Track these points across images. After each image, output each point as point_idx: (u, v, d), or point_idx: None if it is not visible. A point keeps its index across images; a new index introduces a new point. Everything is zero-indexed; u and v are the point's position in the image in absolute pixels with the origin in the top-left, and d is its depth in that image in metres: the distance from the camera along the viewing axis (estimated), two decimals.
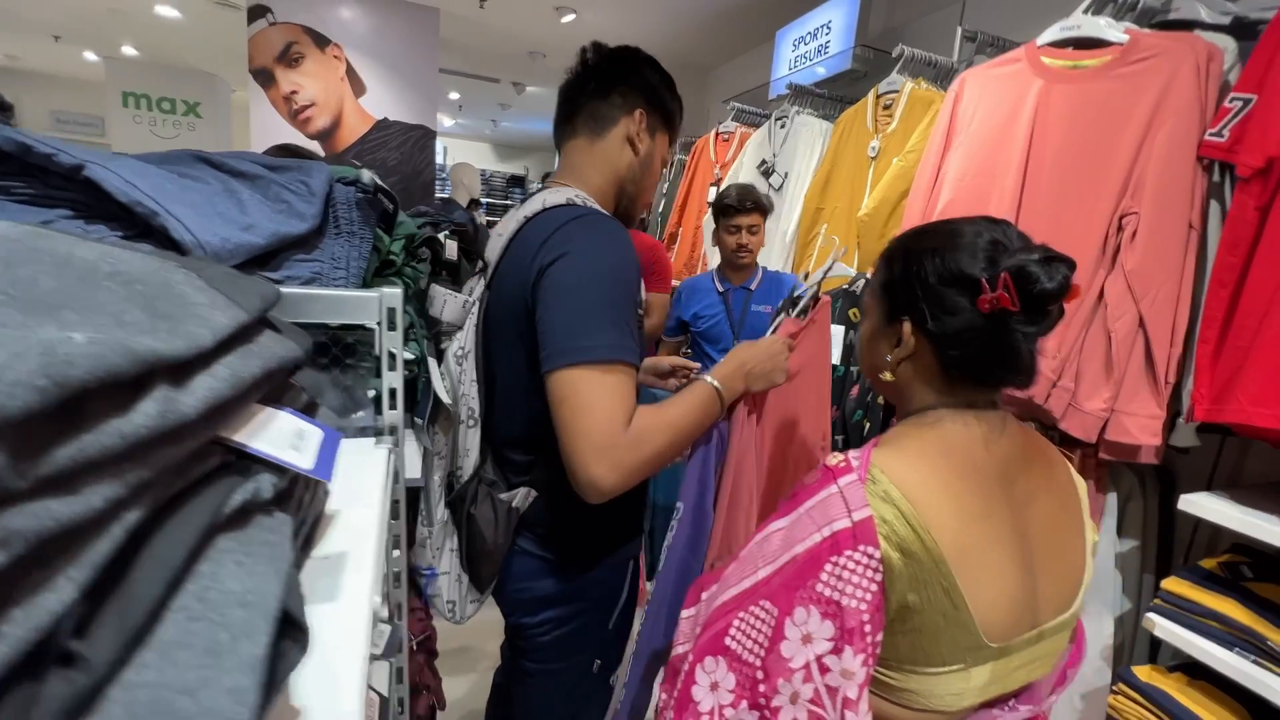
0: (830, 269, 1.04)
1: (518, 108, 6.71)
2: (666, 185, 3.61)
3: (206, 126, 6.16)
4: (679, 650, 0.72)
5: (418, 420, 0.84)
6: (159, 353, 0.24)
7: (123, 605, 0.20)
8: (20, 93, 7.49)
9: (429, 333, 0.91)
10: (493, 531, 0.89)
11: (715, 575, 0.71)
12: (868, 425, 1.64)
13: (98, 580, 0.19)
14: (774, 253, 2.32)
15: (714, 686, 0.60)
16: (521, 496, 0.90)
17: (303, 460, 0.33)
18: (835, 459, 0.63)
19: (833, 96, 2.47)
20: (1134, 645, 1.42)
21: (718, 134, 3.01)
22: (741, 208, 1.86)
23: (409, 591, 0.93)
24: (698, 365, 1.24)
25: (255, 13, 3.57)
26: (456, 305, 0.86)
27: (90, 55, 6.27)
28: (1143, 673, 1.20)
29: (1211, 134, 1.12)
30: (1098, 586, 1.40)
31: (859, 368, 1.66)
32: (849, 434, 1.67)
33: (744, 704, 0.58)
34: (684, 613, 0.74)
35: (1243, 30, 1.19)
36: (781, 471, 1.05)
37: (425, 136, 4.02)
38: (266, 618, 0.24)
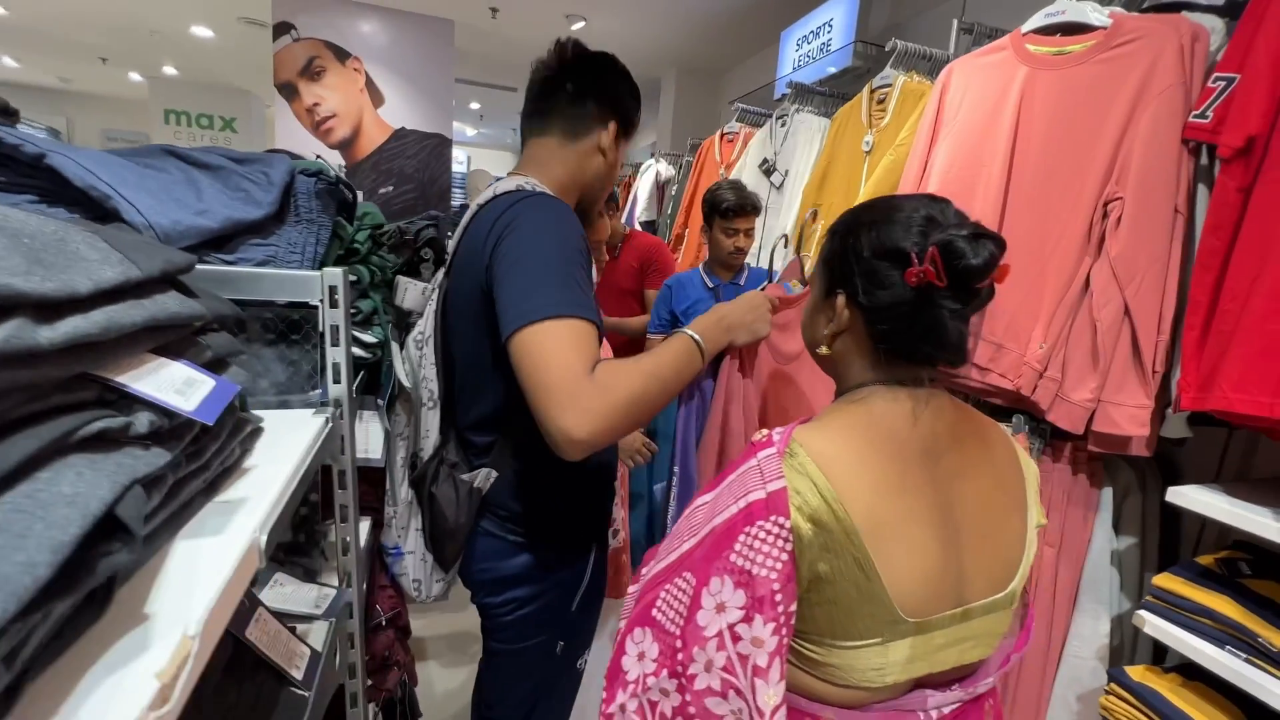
0: (803, 232, 1.04)
1: None
2: (675, 189, 3.64)
3: (241, 140, 6.46)
4: (620, 625, 0.73)
5: (380, 402, 0.87)
6: (18, 289, 0.27)
7: None
8: (74, 112, 7.97)
9: (398, 321, 0.94)
10: (454, 511, 0.91)
11: (656, 550, 0.72)
12: None
13: None
14: (778, 257, 2.32)
15: (640, 656, 0.61)
16: (482, 477, 0.92)
17: (185, 404, 0.36)
18: (760, 435, 0.64)
19: (833, 94, 2.47)
20: (1135, 646, 1.37)
21: (723, 134, 3.02)
22: (741, 211, 1.87)
23: (379, 569, 0.96)
24: None
25: (280, 29, 3.74)
26: (416, 292, 0.89)
27: (135, 76, 6.64)
28: (1136, 673, 1.16)
29: (1196, 116, 1.10)
30: (1093, 584, 1.36)
31: None
32: None
33: (664, 672, 0.59)
34: (630, 588, 0.76)
35: (1236, 10, 1.16)
36: None
37: (441, 144, 4.14)
38: (85, 514, 0.27)
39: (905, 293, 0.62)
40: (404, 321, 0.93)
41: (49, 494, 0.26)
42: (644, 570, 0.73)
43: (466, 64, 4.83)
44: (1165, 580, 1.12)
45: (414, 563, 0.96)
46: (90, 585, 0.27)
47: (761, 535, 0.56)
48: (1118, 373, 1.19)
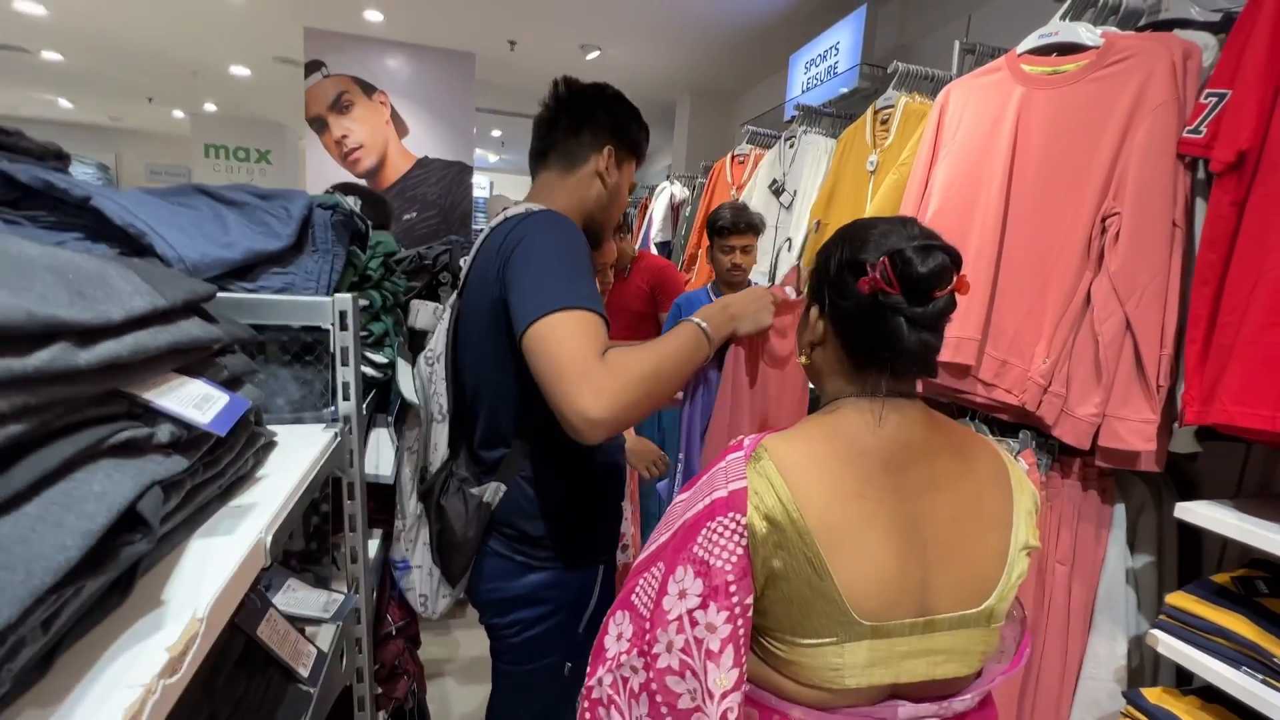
0: (808, 236, 1.07)
1: None
2: (689, 210, 3.70)
3: (276, 171, 6.77)
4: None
5: (390, 419, 0.92)
6: (59, 318, 0.33)
7: None
8: (122, 148, 8.44)
9: (412, 343, 1.00)
10: (462, 524, 0.93)
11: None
12: None
13: None
14: (783, 267, 2.35)
15: (619, 636, 0.65)
16: (491, 491, 0.95)
17: (202, 417, 0.41)
18: (735, 440, 0.68)
19: (840, 115, 2.51)
20: (1157, 668, 1.33)
21: (734, 156, 3.08)
22: (736, 229, 1.92)
23: (390, 582, 1.00)
24: None
25: (311, 67, 3.95)
26: (428, 313, 0.94)
27: (178, 113, 7.02)
28: (1153, 695, 1.14)
29: (1190, 131, 1.11)
30: (1109, 604, 1.33)
31: None
32: None
33: (635, 651, 0.63)
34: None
35: (1229, 26, 1.18)
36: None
37: (462, 171, 4.28)
38: (110, 508, 0.31)
39: (864, 301, 0.65)
40: (419, 344, 0.99)
41: (82, 491, 0.31)
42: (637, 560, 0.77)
43: (487, 93, 5.02)
44: (1179, 599, 1.09)
45: (421, 577, 0.98)
46: (115, 571, 0.32)
47: (720, 529, 0.60)
48: (1122, 387, 1.18)
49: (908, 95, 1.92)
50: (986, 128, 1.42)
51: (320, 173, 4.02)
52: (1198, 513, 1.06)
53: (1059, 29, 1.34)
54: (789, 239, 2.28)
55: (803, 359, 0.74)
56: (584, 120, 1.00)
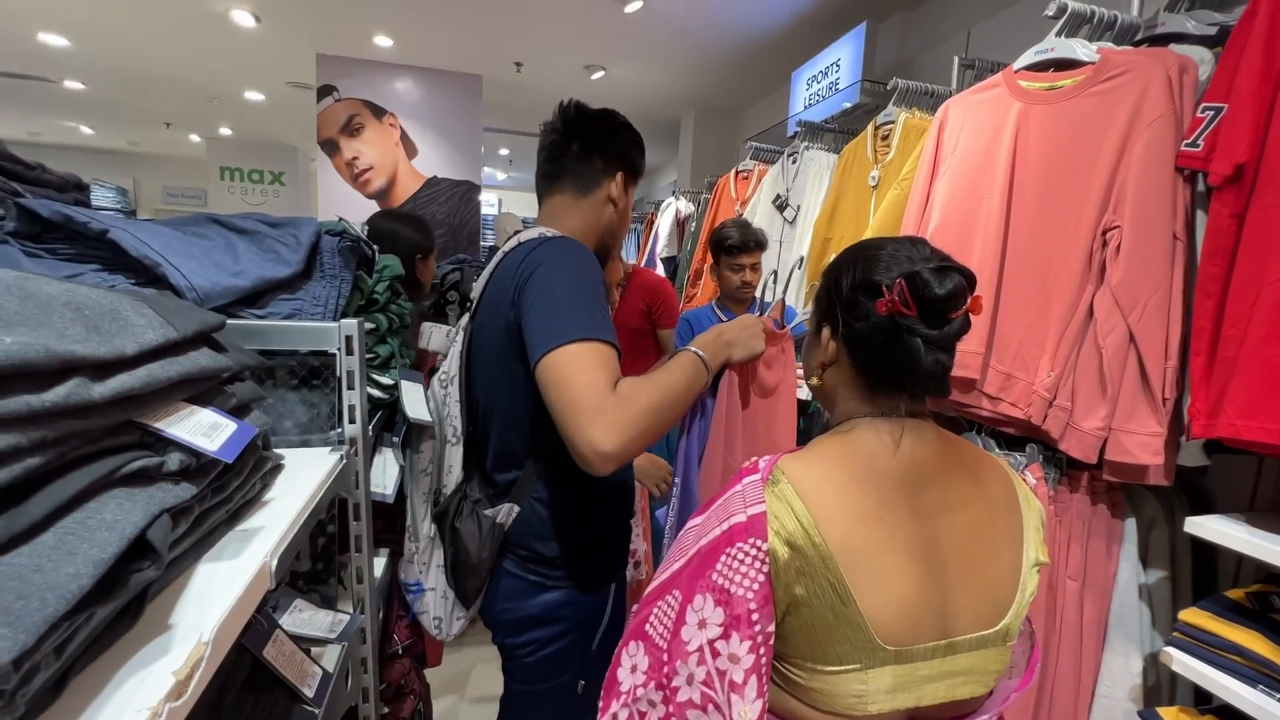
0: (792, 273, 1.09)
1: None
2: (695, 225, 3.73)
3: (288, 192, 6.92)
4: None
5: (395, 439, 0.93)
6: (77, 354, 0.34)
7: (12, 518, 0.30)
8: (140, 173, 8.64)
9: (419, 363, 1.01)
10: (476, 545, 0.94)
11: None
12: None
13: None
14: (793, 274, 2.36)
15: (633, 669, 0.63)
16: (505, 512, 0.96)
17: (210, 445, 0.43)
18: (749, 462, 0.67)
19: (842, 130, 2.53)
20: (1175, 686, 1.31)
21: (737, 172, 3.11)
22: (745, 248, 1.93)
23: (397, 602, 1.01)
24: None
25: (323, 91, 4.05)
26: (440, 335, 0.96)
27: (194, 137, 7.20)
28: (1170, 714, 1.12)
29: (1187, 144, 1.11)
30: (1122, 620, 1.31)
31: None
32: None
33: (652, 684, 0.61)
34: (634, 607, 0.79)
35: (1225, 40, 1.18)
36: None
37: (470, 190, 4.35)
38: (122, 537, 0.33)
39: (880, 323, 0.65)
40: (424, 366, 1.00)
41: (95, 520, 0.33)
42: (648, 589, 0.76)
43: (495, 114, 5.11)
44: (1193, 615, 1.08)
45: (435, 600, 0.99)
46: (125, 597, 0.33)
47: (740, 556, 0.59)
48: (1127, 400, 1.17)
49: (908, 111, 1.94)
50: (985, 143, 1.43)
51: (332, 194, 4.11)
52: (1209, 527, 1.05)
53: (1055, 45, 1.36)
54: (801, 258, 2.29)
55: (813, 380, 0.74)
56: (595, 147, 1.02)
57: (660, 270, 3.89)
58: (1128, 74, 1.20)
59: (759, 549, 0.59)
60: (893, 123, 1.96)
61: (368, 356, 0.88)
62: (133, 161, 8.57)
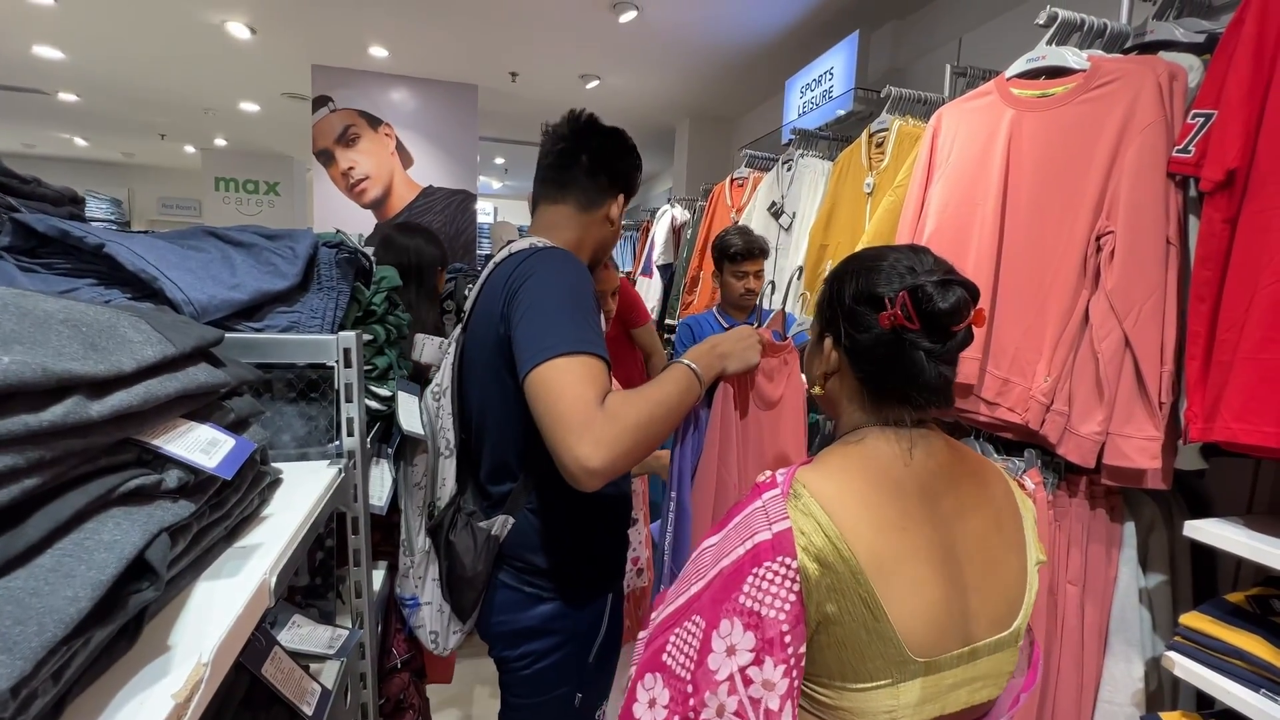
0: (789, 284, 1.10)
1: None
2: (690, 232, 3.74)
3: (284, 203, 6.92)
4: (631, 670, 0.73)
5: (389, 450, 0.93)
6: (74, 372, 0.34)
7: (9, 540, 0.29)
8: (135, 184, 8.63)
9: (416, 374, 1.01)
10: (472, 558, 0.93)
11: (665, 594, 0.73)
12: None
13: None
14: (792, 282, 2.36)
15: (652, 703, 0.60)
16: (500, 524, 0.95)
17: (209, 461, 0.42)
18: (764, 476, 0.65)
19: (836, 138, 2.55)
20: (1177, 690, 1.30)
21: (733, 180, 3.13)
22: (749, 255, 1.94)
23: (396, 616, 1.00)
24: None
25: (319, 102, 4.06)
26: (433, 347, 0.96)
27: (189, 148, 7.20)
28: (1171, 719, 1.11)
29: (1178, 150, 1.12)
30: (1123, 625, 1.31)
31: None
32: None
33: (676, 719, 0.57)
34: (640, 634, 0.76)
35: (1213, 47, 1.20)
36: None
37: (466, 199, 4.36)
38: (120, 558, 0.32)
39: (883, 335, 0.65)
40: (423, 376, 1.00)
41: (93, 541, 0.32)
42: (653, 615, 0.74)
43: (491, 123, 5.13)
44: (1193, 619, 1.08)
45: (431, 614, 0.98)
46: (123, 619, 0.33)
47: (769, 576, 0.56)
48: (1124, 404, 1.18)
49: (901, 118, 1.96)
50: (979, 150, 1.44)
51: (327, 204, 4.10)
52: (1207, 531, 1.05)
53: (1046, 53, 1.37)
54: (800, 267, 2.29)
55: (816, 390, 0.74)
56: (606, 167, 1.02)
57: (657, 277, 3.90)
58: (1118, 81, 1.22)
59: (789, 567, 0.56)
60: (887, 130, 1.97)
61: (365, 368, 0.88)
62: (127, 173, 8.56)
